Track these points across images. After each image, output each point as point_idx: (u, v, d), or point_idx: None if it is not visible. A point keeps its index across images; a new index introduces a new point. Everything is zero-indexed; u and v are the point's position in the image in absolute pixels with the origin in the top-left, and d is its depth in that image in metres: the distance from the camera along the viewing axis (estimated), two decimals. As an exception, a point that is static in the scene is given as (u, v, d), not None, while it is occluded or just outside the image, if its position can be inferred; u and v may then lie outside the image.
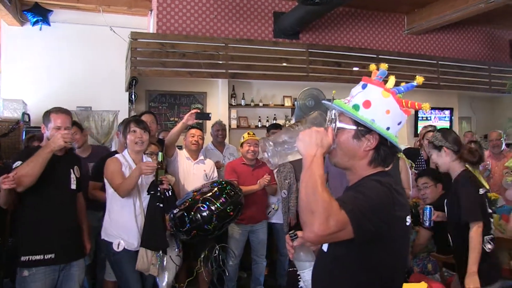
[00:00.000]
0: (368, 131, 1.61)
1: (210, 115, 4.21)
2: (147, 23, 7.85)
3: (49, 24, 7.12)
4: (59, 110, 3.21)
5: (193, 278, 3.71)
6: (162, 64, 6.51)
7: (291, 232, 1.89)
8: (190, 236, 3.50)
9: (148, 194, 3.42)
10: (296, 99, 6.51)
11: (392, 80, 1.65)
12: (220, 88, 7.44)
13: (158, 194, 3.41)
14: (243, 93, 7.57)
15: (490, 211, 3.04)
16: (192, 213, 3.50)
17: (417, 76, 1.62)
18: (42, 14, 7.00)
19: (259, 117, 7.68)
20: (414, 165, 4.93)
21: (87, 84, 7.23)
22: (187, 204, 3.58)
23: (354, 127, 1.61)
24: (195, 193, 3.69)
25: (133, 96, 6.89)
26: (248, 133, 4.80)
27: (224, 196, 3.66)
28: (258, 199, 4.61)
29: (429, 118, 9.01)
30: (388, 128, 1.60)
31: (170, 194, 3.53)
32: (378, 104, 1.59)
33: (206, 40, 6.96)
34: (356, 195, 1.52)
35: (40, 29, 7.11)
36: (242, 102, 7.56)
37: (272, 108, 7.79)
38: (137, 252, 3.35)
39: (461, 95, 9.21)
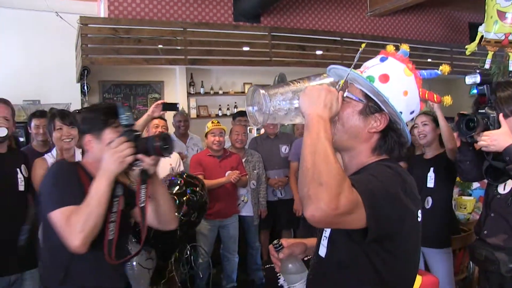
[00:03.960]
0: (378, 110, 1.32)
1: (178, 106, 3.84)
2: (97, 8, 7.36)
3: None
4: None
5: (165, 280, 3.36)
6: (116, 51, 6.04)
7: (275, 242, 1.58)
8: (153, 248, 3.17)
9: None
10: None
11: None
12: (178, 76, 7.04)
13: None
14: (202, 81, 7.20)
15: None
16: None
17: (443, 64, 1.37)
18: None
19: (220, 105, 7.35)
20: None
21: (33, 76, 6.70)
22: None
23: (364, 101, 1.33)
24: None
25: (85, 87, 6.40)
26: (212, 122, 4.47)
27: (185, 203, 3.34)
28: (227, 192, 4.29)
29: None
30: (400, 113, 1.33)
31: None
32: (398, 81, 1.33)
33: (163, 25, 6.54)
34: (368, 177, 1.23)
35: None
36: (201, 91, 7.20)
37: (232, 96, 7.46)
38: None
39: (420, 78, 9.14)
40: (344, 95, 1.33)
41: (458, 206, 4.05)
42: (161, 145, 1.68)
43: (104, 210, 1.68)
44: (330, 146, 1.16)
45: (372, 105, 1.33)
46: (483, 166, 2.29)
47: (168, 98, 6.95)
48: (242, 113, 5.79)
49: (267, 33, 7.04)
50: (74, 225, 1.63)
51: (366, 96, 1.34)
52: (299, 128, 5.94)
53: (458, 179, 3.58)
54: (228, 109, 7.36)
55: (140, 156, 1.72)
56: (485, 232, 2.28)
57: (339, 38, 7.58)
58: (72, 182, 1.79)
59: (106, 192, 1.67)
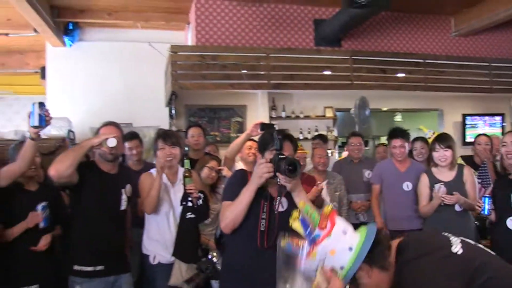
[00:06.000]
0: (353, 276, 1.59)
1: (275, 126, 4.03)
2: (185, 37, 7.80)
3: (72, 42, 7.30)
4: (107, 123, 3.22)
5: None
6: (203, 77, 6.39)
7: None
8: None
9: (181, 205, 3.33)
10: (352, 111, 6.40)
11: (295, 213, 1.76)
12: (260, 101, 7.28)
13: (190, 204, 3.29)
14: (284, 105, 7.39)
15: None
16: None
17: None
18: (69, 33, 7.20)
19: (301, 129, 7.47)
20: (476, 174, 4.59)
21: (127, 100, 7.26)
22: None
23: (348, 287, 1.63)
24: None
25: (173, 111, 6.80)
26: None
27: None
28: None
29: (476, 126, 8.50)
30: (350, 249, 1.58)
31: (201, 202, 3.36)
32: (324, 259, 1.59)
33: (247, 51, 6.83)
34: None
35: (70, 46, 7.30)
36: (283, 114, 7.38)
37: (313, 120, 7.57)
38: (172, 266, 3.27)
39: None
40: None
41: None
42: (286, 168, 2.24)
43: (245, 207, 2.37)
44: None
45: (350, 280, 1.59)
46: None
47: (251, 122, 7.18)
48: (321, 136, 5.95)
49: (348, 57, 7.10)
50: (224, 213, 2.46)
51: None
52: (380, 152, 5.93)
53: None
54: (309, 132, 7.43)
55: (278, 174, 2.31)
56: None
57: (421, 60, 7.46)
58: (237, 185, 2.48)
59: (249, 196, 2.37)
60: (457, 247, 1.54)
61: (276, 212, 2.42)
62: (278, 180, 2.35)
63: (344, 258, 1.54)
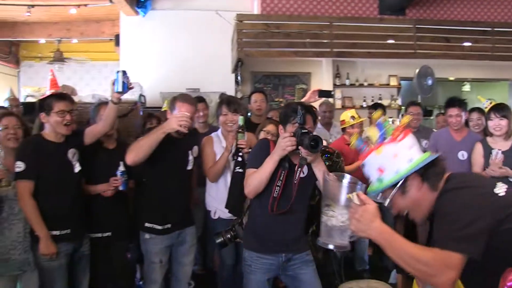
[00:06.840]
0: (405, 181, 1.70)
1: (332, 93, 4.19)
2: (251, 5, 7.97)
3: (144, 13, 7.60)
4: (185, 99, 3.27)
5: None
6: (268, 45, 6.63)
7: None
8: None
9: (233, 160, 3.53)
10: (414, 80, 6.40)
11: (377, 113, 1.89)
12: (324, 68, 7.43)
13: (240, 159, 3.44)
14: (348, 73, 7.51)
15: None
16: None
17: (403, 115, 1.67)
18: (141, 5, 7.51)
19: (364, 97, 7.59)
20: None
21: (195, 67, 7.51)
22: None
23: (396, 190, 1.71)
24: None
25: (239, 77, 7.08)
26: (353, 117, 4.76)
27: None
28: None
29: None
30: (410, 160, 1.69)
31: None
32: (383, 161, 1.71)
33: (310, 19, 6.97)
34: (444, 224, 1.60)
35: (143, 16, 7.61)
36: (347, 82, 7.51)
37: (377, 88, 7.65)
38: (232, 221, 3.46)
39: None
40: (388, 202, 1.73)
41: None
42: (309, 144, 2.43)
43: (267, 175, 2.59)
44: (405, 242, 1.57)
45: (399, 184, 1.69)
46: None
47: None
48: (376, 106, 6.02)
49: (412, 26, 7.03)
50: (248, 180, 2.69)
51: (393, 185, 1.71)
52: (439, 122, 5.96)
53: None
54: (372, 100, 7.46)
55: (300, 147, 2.50)
56: None
57: (489, 29, 7.23)
58: (261, 153, 2.72)
59: (272, 166, 2.57)
60: (500, 190, 1.65)
61: (295, 181, 2.65)
62: (300, 152, 2.54)
63: (402, 165, 1.68)
